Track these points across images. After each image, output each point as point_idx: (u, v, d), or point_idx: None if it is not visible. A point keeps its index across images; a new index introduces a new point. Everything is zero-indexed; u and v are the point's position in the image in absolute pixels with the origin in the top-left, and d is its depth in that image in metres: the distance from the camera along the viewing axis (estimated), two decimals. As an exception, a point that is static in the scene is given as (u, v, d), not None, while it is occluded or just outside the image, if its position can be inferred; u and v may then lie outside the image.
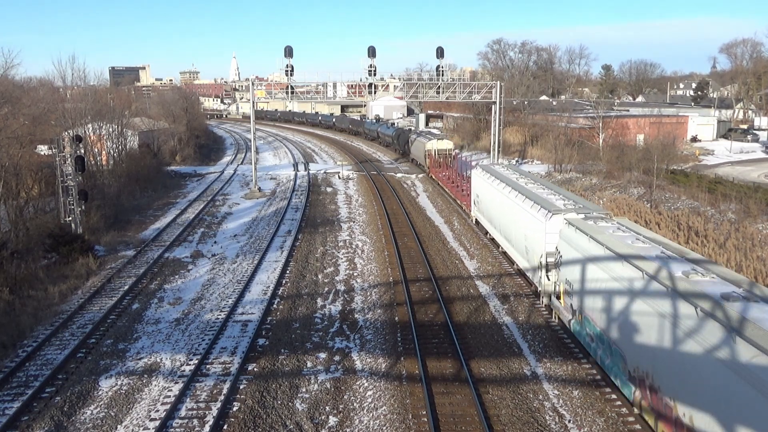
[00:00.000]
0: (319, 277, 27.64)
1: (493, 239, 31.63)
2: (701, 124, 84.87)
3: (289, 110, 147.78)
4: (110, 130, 54.12)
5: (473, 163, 46.90)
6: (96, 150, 51.11)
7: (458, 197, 43.67)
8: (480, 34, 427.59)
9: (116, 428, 15.48)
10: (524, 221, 24.29)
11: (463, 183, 44.40)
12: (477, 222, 35.73)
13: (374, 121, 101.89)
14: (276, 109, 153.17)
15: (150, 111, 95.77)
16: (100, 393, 17.25)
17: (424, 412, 15.92)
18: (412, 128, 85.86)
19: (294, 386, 17.53)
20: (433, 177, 54.39)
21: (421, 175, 57.36)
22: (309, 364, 18.89)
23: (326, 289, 25.99)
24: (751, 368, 10.34)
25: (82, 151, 37.95)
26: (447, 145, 57.55)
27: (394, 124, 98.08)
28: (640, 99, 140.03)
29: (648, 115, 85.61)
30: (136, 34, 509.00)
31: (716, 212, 37.75)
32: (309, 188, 51.48)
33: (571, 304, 19.13)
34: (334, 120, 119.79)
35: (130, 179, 49.14)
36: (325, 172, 60.91)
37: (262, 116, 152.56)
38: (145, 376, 18.18)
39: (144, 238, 34.38)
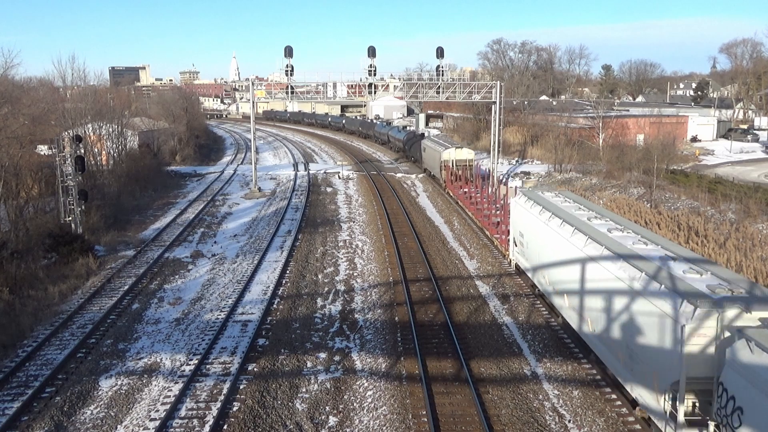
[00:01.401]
0: (319, 277, 27.63)
1: (542, 294, 23.14)
2: (701, 124, 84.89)
3: (300, 111, 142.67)
4: (110, 130, 54.11)
5: (509, 185, 42.96)
6: (96, 150, 51.10)
7: (486, 226, 34.64)
8: (480, 34, 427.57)
9: (116, 428, 15.48)
10: (624, 301, 14.94)
11: (491, 206, 36.67)
12: (518, 268, 26.59)
13: (385, 123, 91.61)
14: (285, 110, 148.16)
15: (150, 111, 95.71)
16: (100, 393, 17.24)
17: (424, 412, 15.92)
18: (425, 133, 76.34)
19: (294, 386, 17.53)
20: (451, 194, 45.96)
21: (421, 175, 57.26)
22: (309, 364, 18.89)
23: (326, 289, 25.98)
24: None
25: (82, 151, 37.93)
26: (467, 154, 49.26)
27: (405, 127, 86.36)
28: (640, 99, 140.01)
29: (648, 115, 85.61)
30: (136, 34, 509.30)
31: (716, 212, 37.74)
32: (309, 188, 51.48)
33: None
34: (343, 122, 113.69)
35: (130, 179, 49.13)
36: (325, 172, 60.90)
37: (271, 117, 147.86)
38: (145, 376, 18.18)
39: (144, 238, 34.37)
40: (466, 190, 43.20)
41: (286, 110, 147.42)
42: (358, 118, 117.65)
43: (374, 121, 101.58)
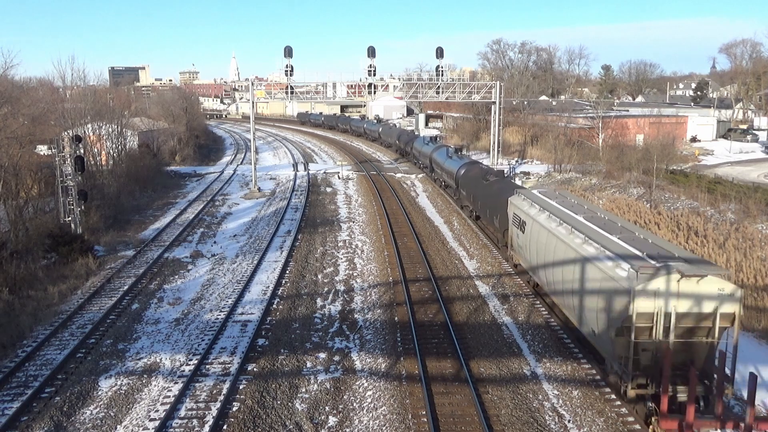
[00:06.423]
0: (319, 277, 27.63)
1: None
2: (701, 125, 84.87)
3: (334, 115, 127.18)
4: (110, 130, 54.03)
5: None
6: (96, 150, 51.03)
7: None
8: (480, 34, 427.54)
9: (116, 428, 15.48)
10: None
11: None
12: None
13: (428, 140, 60.81)
14: (321, 112, 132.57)
15: (150, 111, 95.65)
16: (99, 393, 17.24)
17: (424, 412, 15.92)
18: (516, 174, 50.64)
19: (294, 386, 17.53)
20: None
21: (420, 175, 57.09)
22: (309, 364, 18.89)
23: (326, 289, 25.98)
24: None
25: (82, 151, 37.88)
26: (720, 296, 14.47)
27: (460, 151, 52.08)
28: (639, 99, 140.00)
29: (647, 115, 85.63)
30: (136, 34, 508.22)
31: (716, 212, 37.72)
32: (308, 188, 51.46)
33: None
34: (379, 130, 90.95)
35: (129, 179, 49.12)
36: (324, 172, 60.88)
37: (305, 120, 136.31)
38: (145, 376, 18.18)
39: (144, 238, 34.36)
40: None
41: (320, 113, 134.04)
42: (396, 125, 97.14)
43: (415, 137, 69.81)
